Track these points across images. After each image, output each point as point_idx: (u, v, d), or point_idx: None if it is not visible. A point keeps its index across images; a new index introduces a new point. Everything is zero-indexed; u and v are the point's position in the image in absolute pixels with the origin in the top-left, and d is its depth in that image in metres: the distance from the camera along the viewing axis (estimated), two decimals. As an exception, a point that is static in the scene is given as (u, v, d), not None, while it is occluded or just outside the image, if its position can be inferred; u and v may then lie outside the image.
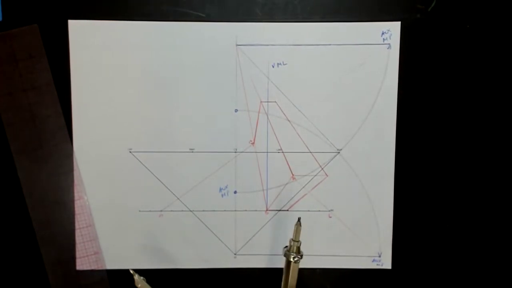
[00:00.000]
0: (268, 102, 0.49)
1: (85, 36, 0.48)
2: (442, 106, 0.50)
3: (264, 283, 0.51)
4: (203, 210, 0.50)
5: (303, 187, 0.50)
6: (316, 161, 0.50)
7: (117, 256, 0.50)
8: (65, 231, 0.49)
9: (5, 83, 0.48)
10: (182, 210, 0.50)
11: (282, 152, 0.50)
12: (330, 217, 0.51)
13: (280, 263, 0.51)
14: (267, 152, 0.50)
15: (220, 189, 0.50)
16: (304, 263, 0.51)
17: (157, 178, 0.50)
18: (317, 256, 0.51)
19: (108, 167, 0.49)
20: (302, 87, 0.49)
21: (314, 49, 0.49)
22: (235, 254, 0.51)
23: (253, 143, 0.50)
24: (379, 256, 0.51)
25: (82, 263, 0.50)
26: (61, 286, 0.50)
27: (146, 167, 0.50)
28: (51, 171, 0.49)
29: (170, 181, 0.50)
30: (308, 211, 0.51)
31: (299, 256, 0.44)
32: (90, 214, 0.50)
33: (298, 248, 0.44)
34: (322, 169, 0.50)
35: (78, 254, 0.50)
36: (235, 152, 0.50)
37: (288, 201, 0.51)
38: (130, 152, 0.49)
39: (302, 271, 0.51)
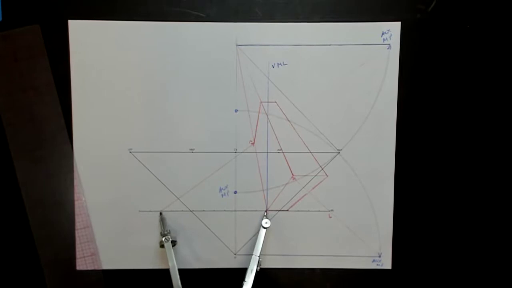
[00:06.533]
0: (268, 102, 0.49)
1: (85, 36, 0.48)
2: (442, 106, 0.50)
3: (264, 283, 0.51)
4: (203, 210, 0.50)
5: (303, 187, 0.50)
6: (316, 161, 0.50)
7: (117, 256, 0.50)
8: (63, 232, 0.49)
9: (5, 83, 0.48)
10: (182, 210, 0.50)
11: (282, 152, 0.50)
12: (330, 217, 0.51)
13: (280, 263, 0.51)
14: (267, 152, 0.50)
15: (220, 189, 0.50)
16: (304, 263, 0.51)
17: (157, 178, 0.50)
18: (317, 256, 0.51)
19: (108, 167, 0.49)
20: (302, 87, 0.49)
21: (314, 49, 0.49)
22: (235, 254, 0.51)
23: (253, 143, 0.50)
24: (379, 256, 0.51)
25: (79, 264, 0.50)
26: (57, 286, 0.49)
27: (146, 167, 0.50)
28: (51, 172, 0.49)
29: (170, 181, 0.50)
30: (308, 211, 0.51)
31: None
32: (87, 215, 0.49)
33: None
34: (322, 169, 0.50)
35: (76, 255, 0.50)
36: (235, 152, 0.50)
37: (288, 201, 0.50)
38: (130, 152, 0.49)
39: (302, 271, 0.51)
